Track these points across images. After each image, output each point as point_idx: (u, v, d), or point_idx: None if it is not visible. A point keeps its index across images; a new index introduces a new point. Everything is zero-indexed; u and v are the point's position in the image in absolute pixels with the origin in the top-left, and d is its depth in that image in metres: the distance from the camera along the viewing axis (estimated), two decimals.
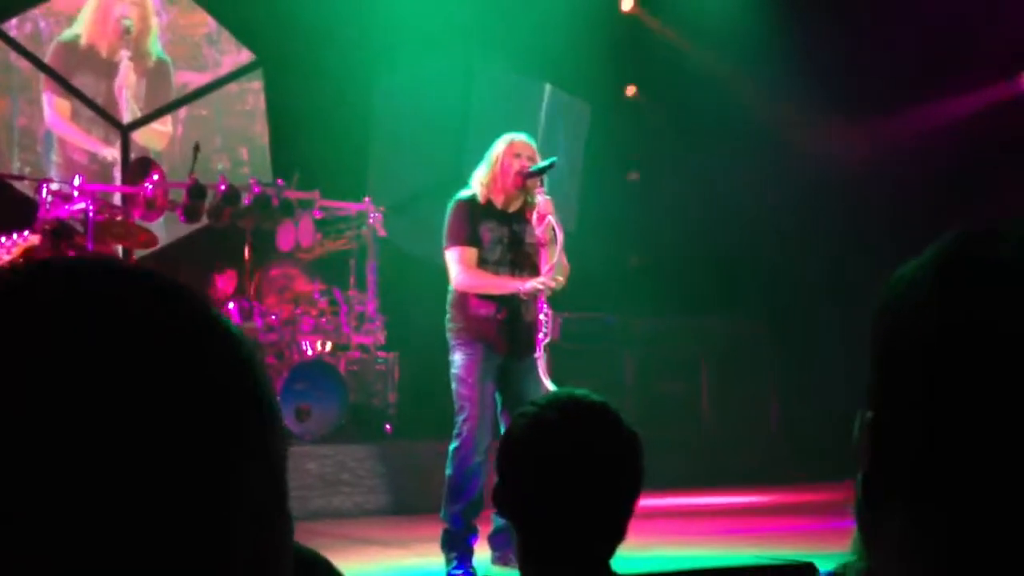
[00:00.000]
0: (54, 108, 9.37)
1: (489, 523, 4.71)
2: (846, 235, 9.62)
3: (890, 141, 9.60)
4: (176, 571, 0.54)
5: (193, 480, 0.54)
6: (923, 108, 9.62)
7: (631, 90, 10.63)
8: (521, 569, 1.61)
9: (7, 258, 5.85)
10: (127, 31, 9.51)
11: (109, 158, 9.44)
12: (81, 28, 9.44)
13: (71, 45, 9.40)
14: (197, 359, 0.57)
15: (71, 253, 7.50)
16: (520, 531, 1.60)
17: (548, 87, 10.56)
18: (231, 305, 7.73)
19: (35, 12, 9.36)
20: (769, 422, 9.61)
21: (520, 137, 4.84)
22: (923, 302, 0.67)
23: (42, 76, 9.33)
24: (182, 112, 9.86)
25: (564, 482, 1.55)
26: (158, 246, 8.13)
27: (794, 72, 9.39)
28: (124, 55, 9.51)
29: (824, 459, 6.53)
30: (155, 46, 9.70)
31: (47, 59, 9.35)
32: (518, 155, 4.75)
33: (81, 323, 0.54)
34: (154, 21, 9.70)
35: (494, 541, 4.71)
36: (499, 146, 4.81)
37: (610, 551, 1.60)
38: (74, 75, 9.40)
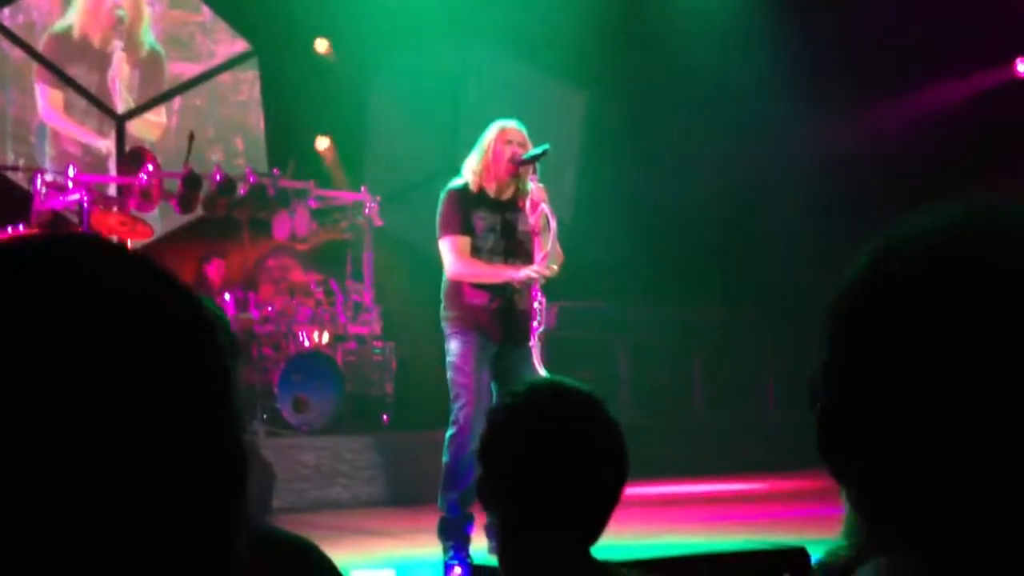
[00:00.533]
0: (47, 99, 9.34)
1: (486, 513, 4.71)
2: (842, 223, 9.61)
3: (886, 128, 9.60)
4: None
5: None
6: (918, 94, 9.62)
7: (627, 79, 10.60)
8: (500, 557, 1.61)
9: None
10: (120, 21, 9.48)
11: (103, 149, 9.42)
12: (73, 19, 9.40)
13: (63, 36, 9.37)
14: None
15: None
16: (500, 519, 1.60)
17: (543, 74, 10.54)
18: (227, 296, 7.72)
19: (28, 2, 9.32)
20: (765, 410, 9.62)
21: (511, 124, 4.83)
22: (852, 303, 0.73)
23: (35, 66, 9.30)
24: (176, 102, 9.84)
25: (544, 469, 1.55)
26: (154, 236, 8.12)
27: (791, 60, 9.38)
28: (117, 45, 9.48)
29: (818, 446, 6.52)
30: (147, 36, 9.66)
31: (40, 50, 9.32)
32: (509, 142, 4.74)
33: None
34: (146, 10, 9.66)
35: (491, 531, 4.71)
36: (490, 133, 4.79)
37: (591, 539, 1.59)
38: (67, 66, 9.37)
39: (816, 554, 2.34)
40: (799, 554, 2.23)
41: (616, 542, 1.64)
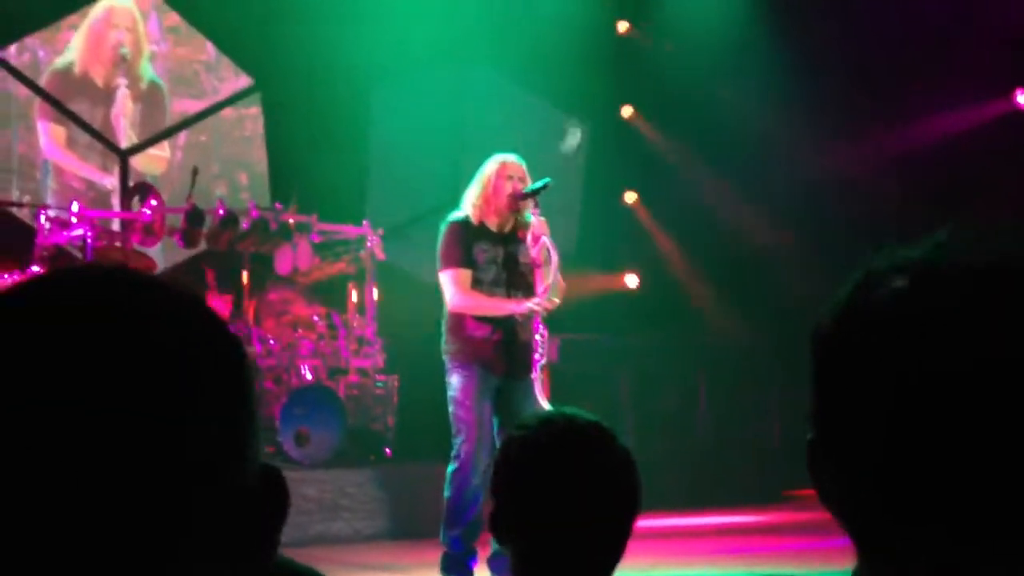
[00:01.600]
0: (49, 135, 9.39)
1: (488, 546, 4.69)
2: (845, 248, 9.62)
3: (890, 154, 9.63)
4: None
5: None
6: (920, 122, 9.65)
7: (627, 111, 10.66)
8: None
9: None
10: (123, 59, 9.54)
11: (108, 186, 9.45)
12: (74, 55, 9.46)
13: (64, 73, 9.42)
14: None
15: None
16: (516, 555, 1.59)
17: (545, 106, 10.58)
18: None
19: (34, 42, 9.39)
20: (772, 439, 9.57)
21: (511, 158, 4.85)
22: (832, 332, 0.75)
23: (37, 103, 9.36)
24: (181, 139, 9.89)
25: (559, 504, 1.54)
26: (157, 271, 8.13)
27: (790, 87, 9.42)
28: (121, 83, 9.53)
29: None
30: (147, 69, 9.72)
31: (42, 86, 9.38)
32: (510, 177, 4.76)
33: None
34: (145, 45, 9.72)
35: (493, 564, 4.68)
36: (490, 167, 4.81)
37: (608, 572, 1.59)
38: (69, 102, 9.42)
39: None
40: None
41: (622, 575, 1.63)
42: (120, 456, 0.56)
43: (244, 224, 8.02)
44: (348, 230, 8.67)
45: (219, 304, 8.11)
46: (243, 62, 9.97)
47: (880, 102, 9.42)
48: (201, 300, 0.65)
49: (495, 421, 4.72)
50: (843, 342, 0.72)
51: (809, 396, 0.75)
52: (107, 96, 9.54)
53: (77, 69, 9.46)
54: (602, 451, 1.58)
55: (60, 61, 9.43)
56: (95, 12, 9.51)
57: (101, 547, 0.55)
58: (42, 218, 7.48)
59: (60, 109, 9.38)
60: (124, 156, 9.57)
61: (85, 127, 9.45)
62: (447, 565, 4.69)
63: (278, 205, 8.29)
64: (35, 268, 5.95)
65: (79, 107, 9.44)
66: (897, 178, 9.43)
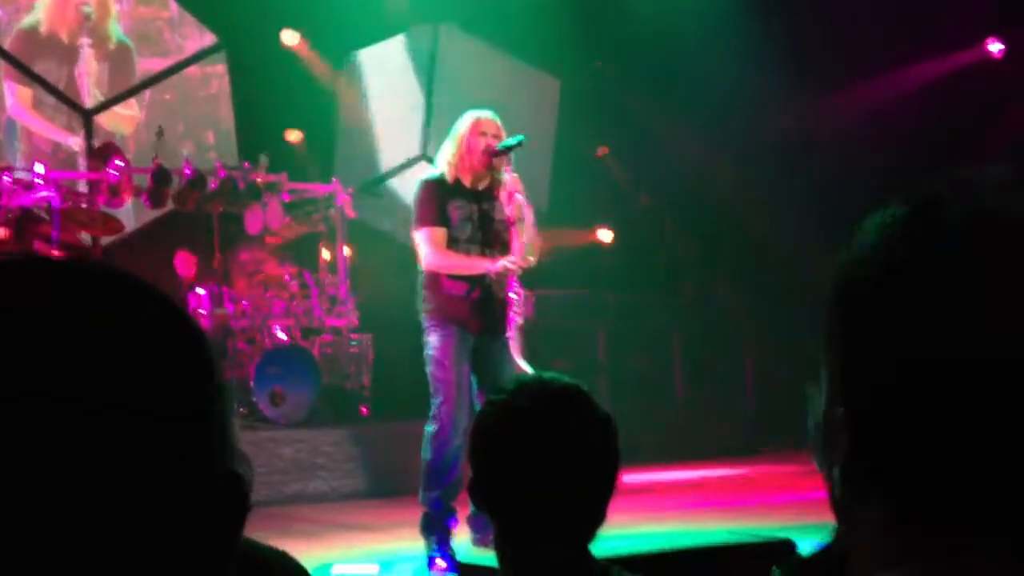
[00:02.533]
0: (15, 96, 9.23)
1: (468, 505, 4.70)
2: (819, 204, 9.65)
3: (863, 108, 9.63)
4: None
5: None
6: (892, 74, 9.65)
7: (598, 65, 10.58)
8: (499, 557, 1.59)
9: None
10: (87, 17, 9.37)
11: (75, 147, 9.32)
12: (41, 15, 9.29)
13: (31, 32, 9.25)
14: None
15: (38, 243, 7.39)
16: (498, 521, 1.58)
17: (515, 62, 10.50)
18: (200, 290, 7.65)
19: None
20: (745, 395, 9.65)
21: (485, 114, 4.80)
22: (877, 290, 0.63)
23: (2, 63, 9.18)
24: (147, 97, 9.75)
25: (539, 469, 1.53)
26: (125, 232, 8.03)
27: (766, 41, 9.38)
28: (85, 42, 9.38)
29: (802, 431, 6.55)
30: (115, 29, 9.56)
31: (7, 46, 9.20)
32: (483, 133, 4.71)
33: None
34: (113, 5, 9.56)
35: (474, 523, 4.69)
36: (464, 124, 4.76)
37: (591, 534, 1.58)
38: (35, 62, 9.26)
39: (802, 544, 2.34)
40: (785, 546, 2.22)
41: (599, 534, 1.62)
42: (64, 458, 0.53)
43: (212, 184, 7.93)
44: (318, 188, 8.60)
45: (180, 262, 8.03)
46: (206, 19, 9.81)
47: (852, 53, 9.40)
48: (159, 292, 0.61)
49: (473, 381, 4.71)
50: (905, 297, 0.60)
51: (828, 367, 0.67)
52: (72, 55, 9.38)
53: (43, 29, 9.29)
54: (581, 414, 1.57)
55: (27, 20, 9.25)
56: None
57: (43, 553, 0.53)
58: (6, 179, 7.36)
59: (24, 71, 9.21)
60: (88, 116, 9.42)
61: (49, 87, 9.28)
62: (427, 525, 4.70)
63: (246, 164, 8.20)
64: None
65: (45, 67, 9.28)
66: (871, 130, 9.44)
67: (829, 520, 0.69)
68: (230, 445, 0.62)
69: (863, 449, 0.64)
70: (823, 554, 0.84)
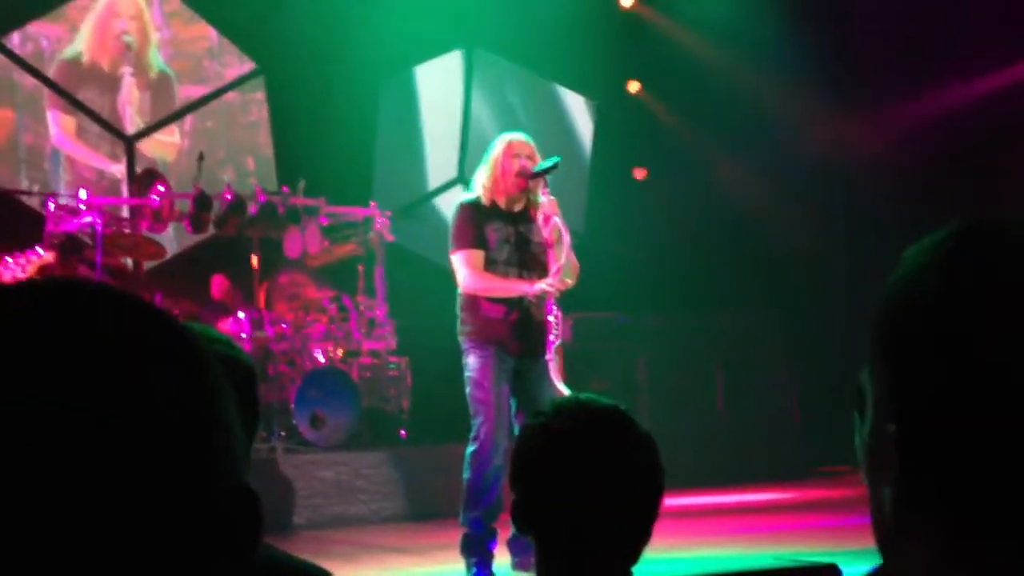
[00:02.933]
0: (59, 125, 9.39)
1: (508, 527, 4.69)
2: (856, 224, 9.59)
3: (897, 129, 9.55)
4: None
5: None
6: (928, 95, 9.57)
7: (634, 86, 10.59)
8: None
9: (23, 276, 5.85)
10: (128, 47, 9.53)
11: (118, 175, 9.46)
12: (83, 45, 9.46)
13: (73, 62, 9.42)
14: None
15: (82, 267, 7.51)
16: (540, 545, 1.57)
17: (551, 84, 10.54)
18: (240, 314, 7.72)
19: (37, 31, 9.37)
20: (789, 417, 9.54)
21: (518, 137, 4.82)
22: (933, 304, 0.63)
23: (46, 93, 9.35)
24: (188, 124, 9.88)
25: (580, 490, 1.52)
26: (167, 256, 8.13)
27: (798, 62, 9.35)
28: (126, 71, 9.53)
29: (846, 453, 6.49)
30: (156, 58, 9.71)
31: (51, 76, 9.38)
32: (517, 155, 4.73)
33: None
34: (153, 34, 9.71)
35: (514, 546, 4.69)
36: (497, 147, 4.79)
37: (634, 556, 1.57)
38: (78, 92, 9.42)
39: (849, 568, 2.31)
40: (831, 571, 2.19)
41: (642, 557, 1.61)
42: (63, 463, 0.52)
43: (252, 209, 8.01)
44: (356, 212, 8.66)
45: (215, 286, 8.11)
46: (246, 47, 9.94)
47: (894, 73, 9.33)
48: (168, 314, 0.61)
49: (513, 403, 4.71)
50: (964, 314, 0.61)
51: (878, 385, 0.66)
52: (114, 84, 9.54)
53: (85, 59, 9.46)
54: (620, 434, 1.56)
55: (69, 51, 9.42)
56: (100, 1, 9.50)
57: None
58: (51, 206, 7.49)
59: (69, 99, 9.37)
60: (130, 142, 9.56)
61: (92, 115, 9.44)
62: (467, 546, 4.69)
63: (285, 189, 8.28)
64: (43, 253, 5.94)
65: (88, 96, 9.44)
66: (913, 150, 9.35)
67: (874, 545, 0.69)
68: (238, 460, 0.61)
69: (917, 469, 0.63)
70: None
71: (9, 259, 5.79)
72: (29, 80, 9.30)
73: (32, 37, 9.36)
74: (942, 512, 0.62)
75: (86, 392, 0.54)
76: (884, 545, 0.68)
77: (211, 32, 9.93)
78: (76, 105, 9.42)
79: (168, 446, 0.55)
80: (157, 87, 9.71)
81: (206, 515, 0.56)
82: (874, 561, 0.73)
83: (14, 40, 9.25)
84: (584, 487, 1.52)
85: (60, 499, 0.52)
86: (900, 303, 0.65)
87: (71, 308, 0.57)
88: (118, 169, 9.47)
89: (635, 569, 1.59)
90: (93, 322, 0.56)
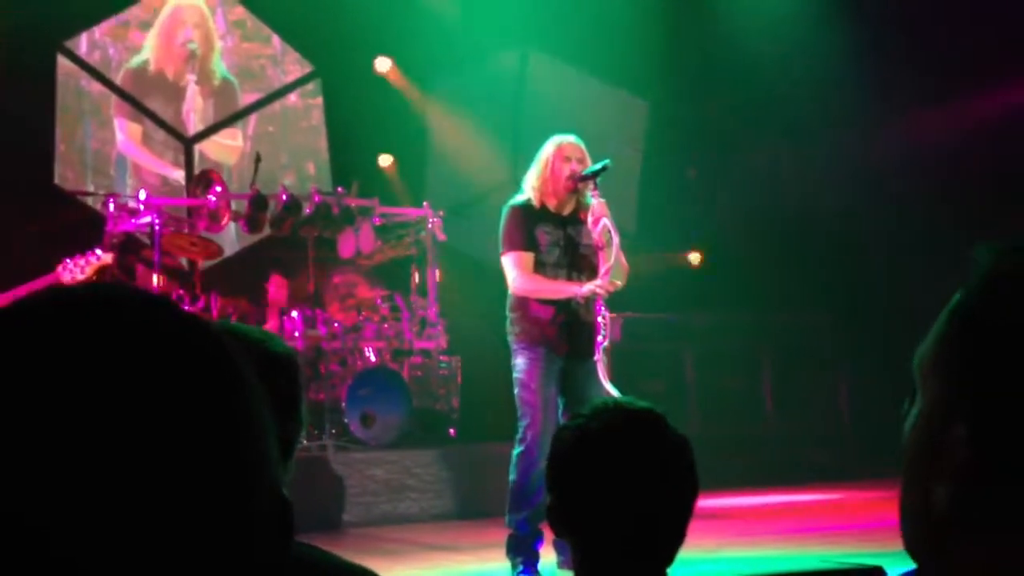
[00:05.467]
0: (126, 133, 9.58)
1: None
2: (907, 225, 9.47)
3: (952, 130, 9.41)
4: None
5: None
6: (987, 97, 9.42)
7: (686, 86, 10.55)
8: None
9: (82, 277, 5.98)
10: (193, 55, 9.70)
11: (181, 180, 9.64)
12: (149, 54, 9.65)
13: (140, 71, 9.62)
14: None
15: (139, 266, 7.66)
16: (576, 547, 1.60)
17: (603, 84, 10.53)
18: (294, 313, 7.82)
19: (105, 39, 9.56)
20: (838, 418, 9.47)
21: (568, 139, 4.83)
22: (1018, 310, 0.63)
23: (113, 100, 9.54)
24: (251, 129, 10.03)
25: (613, 493, 1.54)
26: (223, 256, 8.26)
27: (854, 62, 9.25)
28: (191, 79, 9.70)
29: (896, 455, 6.40)
30: (219, 66, 9.87)
31: (118, 84, 9.57)
32: (568, 158, 4.75)
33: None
34: (217, 42, 9.87)
35: (560, 546, 4.71)
36: (547, 149, 4.80)
37: (668, 557, 1.58)
38: (143, 101, 9.61)
39: (895, 571, 2.30)
40: (877, 573, 2.19)
41: (688, 556, 1.63)
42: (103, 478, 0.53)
43: (307, 209, 8.11)
44: (409, 212, 8.73)
45: (273, 287, 8.23)
46: (306, 52, 10.08)
47: (953, 76, 9.19)
48: (199, 320, 0.60)
49: (560, 403, 4.74)
50: None
51: (944, 385, 0.65)
52: (179, 93, 9.71)
53: (152, 67, 9.65)
54: (654, 437, 1.58)
55: (136, 59, 9.62)
56: (165, 10, 9.68)
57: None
58: (111, 206, 7.64)
59: (136, 107, 9.56)
60: (189, 144, 9.73)
61: (158, 121, 9.63)
62: (513, 546, 4.72)
63: (340, 189, 8.37)
64: (102, 255, 6.06)
65: (153, 104, 9.64)
66: (972, 151, 9.21)
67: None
68: (269, 469, 0.60)
69: (990, 471, 0.63)
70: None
71: (69, 261, 5.92)
72: (96, 87, 9.50)
73: (99, 45, 9.55)
74: (1014, 516, 0.61)
75: (116, 403, 0.54)
76: (928, 543, 0.67)
77: (274, 40, 10.07)
78: (143, 111, 9.60)
79: (197, 454, 0.55)
80: (220, 95, 9.87)
81: (235, 524, 0.56)
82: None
83: (82, 47, 9.45)
84: (616, 489, 1.54)
85: (86, 507, 0.52)
86: (980, 307, 0.64)
87: (100, 319, 0.57)
88: (182, 175, 9.65)
89: (677, 570, 1.61)
90: (120, 331, 0.57)
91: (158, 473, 0.54)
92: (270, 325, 7.66)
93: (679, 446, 1.58)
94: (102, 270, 6.07)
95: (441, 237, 8.39)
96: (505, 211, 4.85)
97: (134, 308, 0.59)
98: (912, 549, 0.70)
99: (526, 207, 4.79)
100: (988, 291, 0.65)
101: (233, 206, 8.08)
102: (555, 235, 4.75)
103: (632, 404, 1.61)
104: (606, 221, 4.71)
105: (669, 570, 1.58)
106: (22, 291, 5.34)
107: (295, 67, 10.13)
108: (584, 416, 1.61)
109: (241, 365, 0.60)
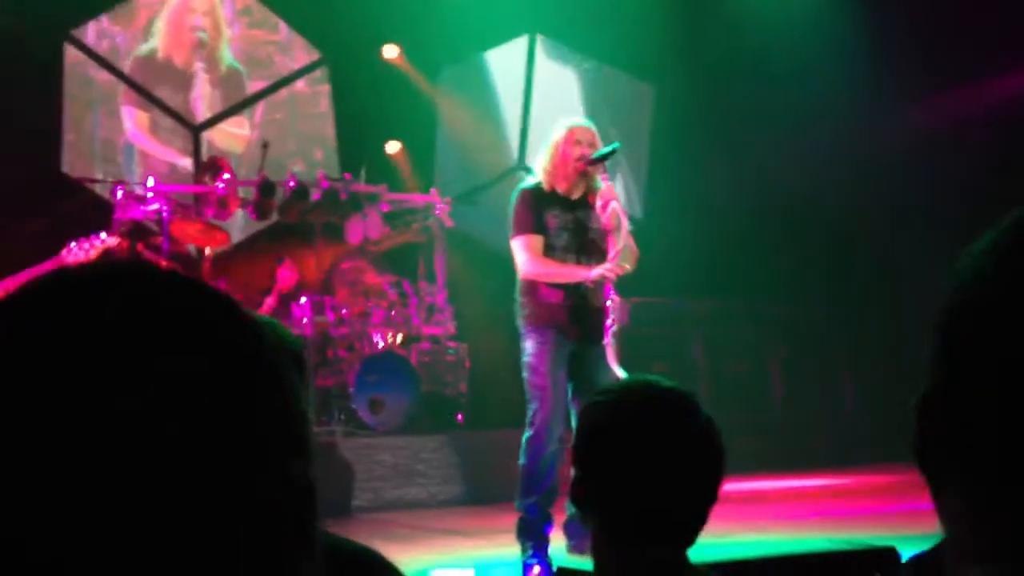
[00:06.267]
0: (134, 121, 9.58)
1: (563, 511, 4.72)
2: (914, 210, 9.44)
3: (954, 117, 9.38)
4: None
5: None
6: (985, 83, 9.38)
7: (691, 72, 10.52)
8: (597, 559, 1.60)
9: (86, 260, 5.98)
10: (201, 43, 9.68)
11: (189, 168, 9.64)
12: (157, 42, 9.63)
13: (148, 59, 9.60)
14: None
15: (147, 253, 7.67)
16: (599, 523, 1.58)
17: (612, 70, 10.51)
18: (303, 299, 7.83)
19: (113, 28, 9.55)
20: (844, 401, 9.47)
21: (579, 122, 4.82)
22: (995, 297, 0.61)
23: (122, 89, 9.54)
24: (258, 116, 10.02)
25: (645, 469, 1.53)
26: (231, 243, 8.27)
27: (855, 52, 9.22)
28: (199, 67, 9.69)
29: (902, 438, 6.40)
30: (226, 54, 9.86)
31: (126, 73, 9.56)
32: (578, 142, 4.73)
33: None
34: (226, 30, 9.85)
35: (569, 529, 4.71)
36: (558, 133, 4.79)
37: (691, 538, 1.58)
38: (152, 87, 9.60)
39: (906, 552, 2.30)
40: (889, 554, 2.18)
41: (697, 541, 1.63)
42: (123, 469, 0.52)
43: (315, 195, 8.11)
44: (417, 199, 8.73)
45: (283, 272, 8.24)
46: (313, 38, 10.06)
47: (957, 62, 9.15)
48: (233, 301, 0.59)
49: (569, 387, 4.73)
50: None
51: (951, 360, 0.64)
52: (187, 80, 9.71)
53: (160, 55, 9.64)
54: (686, 417, 1.57)
55: (144, 48, 9.60)
56: None
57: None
58: (119, 193, 7.65)
59: (145, 95, 9.55)
60: (197, 132, 9.73)
61: (166, 109, 9.62)
62: (523, 531, 4.73)
63: (348, 176, 8.37)
64: (107, 238, 6.06)
65: (162, 92, 9.63)
66: (980, 138, 9.18)
67: (933, 531, 0.68)
68: (304, 446, 0.60)
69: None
70: (934, 552, 0.81)
71: (73, 244, 5.91)
72: (103, 75, 9.49)
73: (108, 34, 9.54)
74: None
75: (143, 379, 0.53)
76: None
77: (281, 27, 10.05)
78: (151, 99, 9.60)
79: (229, 431, 0.55)
80: (227, 83, 9.87)
81: (264, 506, 0.56)
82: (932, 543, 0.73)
83: (89, 36, 9.44)
84: (649, 465, 1.53)
85: (117, 487, 0.52)
86: (960, 306, 0.63)
87: (130, 293, 0.56)
88: (190, 163, 9.65)
89: (692, 552, 1.60)
90: (154, 305, 0.56)
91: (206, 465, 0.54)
92: (271, 311, 7.68)
93: (707, 427, 1.57)
94: (108, 253, 6.07)
95: (449, 223, 8.39)
96: (515, 195, 4.84)
97: (171, 288, 0.58)
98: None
99: (536, 191, 4.78)
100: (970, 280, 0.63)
101: (241, 193, 8.08)
102: (564, 219, 4.75)
103: (661, 383, 1.60)
104: (615, 204, 4.70)
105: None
106: (28, 275, 5.34)
107: (302, 54, 10.12)
108: (616, 390, 1.61)
109: (274, 342, 0.60)
